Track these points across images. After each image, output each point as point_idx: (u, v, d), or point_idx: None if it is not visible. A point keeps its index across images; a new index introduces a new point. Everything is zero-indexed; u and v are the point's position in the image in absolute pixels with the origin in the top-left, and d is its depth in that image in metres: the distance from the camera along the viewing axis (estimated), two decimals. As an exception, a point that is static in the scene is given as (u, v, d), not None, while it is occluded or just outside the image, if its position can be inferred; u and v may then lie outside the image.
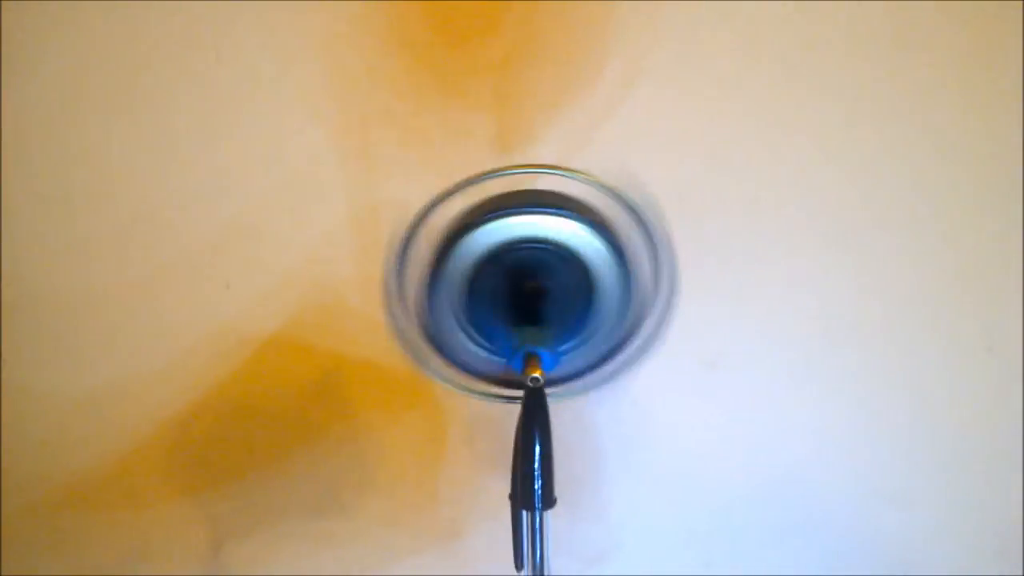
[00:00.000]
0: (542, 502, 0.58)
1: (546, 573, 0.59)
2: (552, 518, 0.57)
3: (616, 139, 0.71)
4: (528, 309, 0.62)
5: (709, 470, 0.82)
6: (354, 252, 0.63)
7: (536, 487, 0.57)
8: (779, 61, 0.73)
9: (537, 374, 0.57)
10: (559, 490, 0.58)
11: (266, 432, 0.67)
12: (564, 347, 0.64)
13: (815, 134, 0.76)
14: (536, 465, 0.58)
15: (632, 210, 0.62)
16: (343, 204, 0.63)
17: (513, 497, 0.59)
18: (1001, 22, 0.76)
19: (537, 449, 0.58)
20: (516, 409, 0.58)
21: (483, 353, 0.63)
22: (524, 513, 0.58)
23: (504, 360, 0.62)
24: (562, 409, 0.74)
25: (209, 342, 0.62)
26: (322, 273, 0.62)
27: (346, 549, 0.73)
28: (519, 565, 0.60)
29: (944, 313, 0.80)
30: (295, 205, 0.63)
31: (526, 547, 0.58)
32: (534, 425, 0.58)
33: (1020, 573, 0.84)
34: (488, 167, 0.58)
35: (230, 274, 0.62)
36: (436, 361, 0.63)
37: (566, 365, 0.63)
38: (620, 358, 0.64)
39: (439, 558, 0.76)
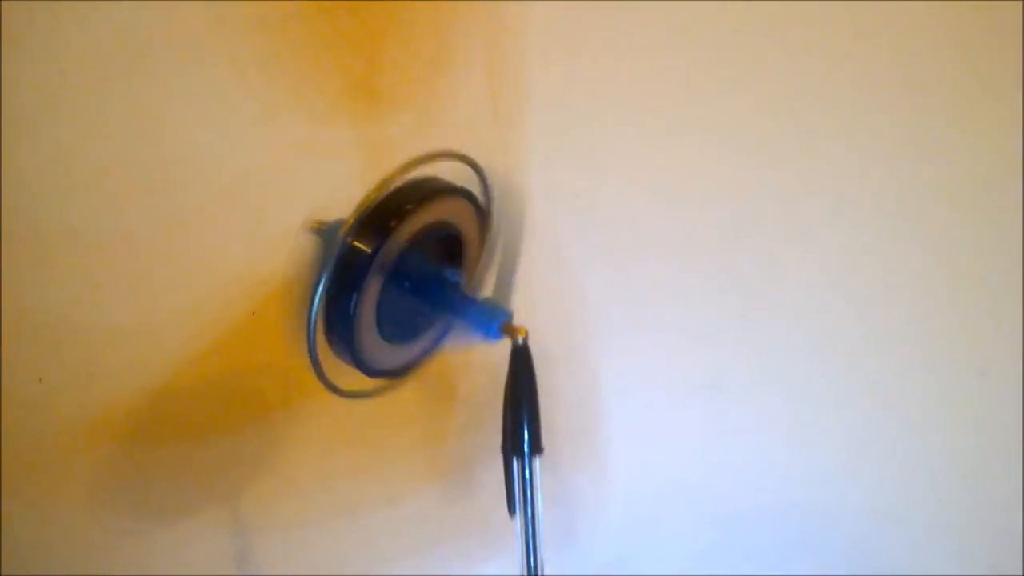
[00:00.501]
0: (531, 449, 0.63)
1: (537, 516, 0.64)
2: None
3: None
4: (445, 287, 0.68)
5: (710, 486, 0.84)
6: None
7: (524, 436, 0.63)
8: (762, 67, 0.78)
9: (523, 334, 0.63)
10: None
11: (280, 378, 0.73)
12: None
13: (810, 154, 0.78)
14: (523, 416, 0.63)
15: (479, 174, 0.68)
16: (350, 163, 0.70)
17: (504, 447, 0.64)
18: (1001, 22, 0.77)
19: (524, 401, 0.63)
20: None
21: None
22: (515, 461, 0.63)
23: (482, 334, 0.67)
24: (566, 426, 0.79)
25: (224, 288, 0.68)
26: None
27: (363, 489, 0.80)
28: (512, 510, 0.65)
29: (939, 340, 0.82)
30: (301, 162, 0.69)
31: (517, 493, 0.64)
32: (521, 380, 0.63)
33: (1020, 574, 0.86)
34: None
35: (243, 224, 0.68)
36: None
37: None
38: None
39: (444, 494, 0.81)
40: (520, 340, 0.63)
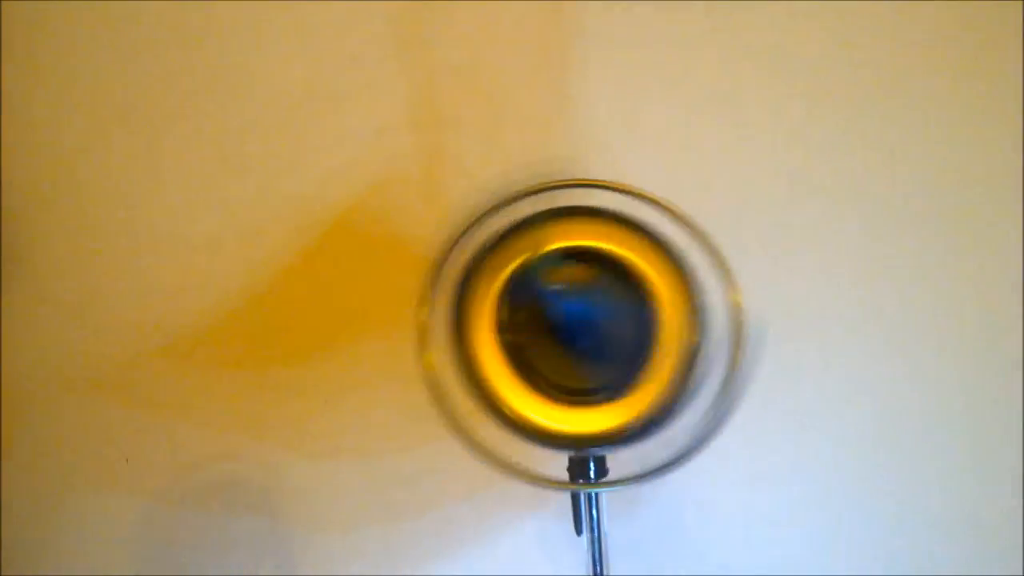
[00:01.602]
0: (596, 472, 0.63)
1: (603, 536, 0.64)
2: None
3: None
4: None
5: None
6: (415, 124, 0.70)
7: (590, 458, 0.63)
8: (771, 74, 0.77)
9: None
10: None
11: (337, 309, 0.73)
12: None
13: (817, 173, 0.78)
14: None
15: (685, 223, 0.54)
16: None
17: (570, 469, 0.64)
18: (1001, 22, 0.76)
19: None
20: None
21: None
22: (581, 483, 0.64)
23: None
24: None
25: (296, 204, 0.69)
26: (386, 146, 0.67)
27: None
28: (579, 530, 0.65)
29: (972, 410, 0.81)
30: (361, 86, 0.70)
31: (584, 513, 0.64)
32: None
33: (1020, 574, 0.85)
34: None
35: (310, 140, 0.69)
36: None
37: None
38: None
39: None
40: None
